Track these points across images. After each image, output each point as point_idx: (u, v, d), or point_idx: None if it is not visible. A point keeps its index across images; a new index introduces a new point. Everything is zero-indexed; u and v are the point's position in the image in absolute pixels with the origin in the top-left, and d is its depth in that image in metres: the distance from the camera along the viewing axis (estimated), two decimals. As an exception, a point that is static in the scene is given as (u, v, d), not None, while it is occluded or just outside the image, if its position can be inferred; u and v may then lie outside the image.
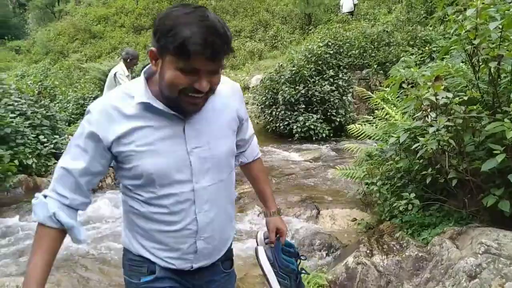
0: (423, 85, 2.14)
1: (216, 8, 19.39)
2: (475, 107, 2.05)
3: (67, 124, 8.30)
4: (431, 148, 1.97)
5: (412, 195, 2.46)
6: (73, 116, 9.43)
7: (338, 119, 7.25)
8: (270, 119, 7.58)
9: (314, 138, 7.12)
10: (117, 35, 20.20)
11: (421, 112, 2.04)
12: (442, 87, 1.89)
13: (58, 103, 9.82)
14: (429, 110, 1.96)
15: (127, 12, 21.92)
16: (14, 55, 24.17)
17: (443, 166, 2.17)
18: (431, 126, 1.96)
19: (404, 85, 2.75)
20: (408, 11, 9.85)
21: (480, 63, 2.15)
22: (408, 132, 2.46)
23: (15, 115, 5.32)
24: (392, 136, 2.57)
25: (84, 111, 7.56)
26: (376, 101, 3.29)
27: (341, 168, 3.78)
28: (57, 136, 5.86)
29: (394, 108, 3.04)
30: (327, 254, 3.27)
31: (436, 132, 1.92)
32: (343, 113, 7.31)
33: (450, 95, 1.91)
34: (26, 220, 4.31)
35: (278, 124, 7.36)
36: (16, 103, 5.59)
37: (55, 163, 5.61)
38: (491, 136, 2.05)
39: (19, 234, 3.91)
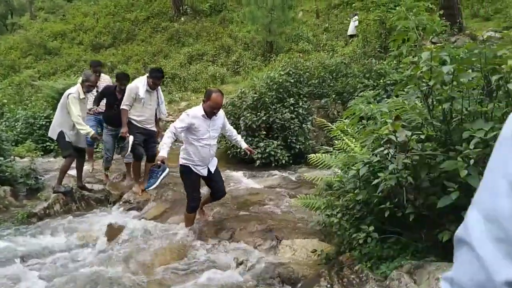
0: (381, 123, 2.21)
1: (180, 31, 19.44)
2: (430, 144, 2.14)
3: (14, 144, 7.78)
4: (390, 184, 2.01)
5: (371, 228, 2.49)
6: (21, 135, 8.86)
7: (298, 146, 7.36)
8: (231, 144, 7.54)
9: (273, 165, 7.16)
10: (74, 52, 19.59)
11: (380, 148, 2.09)
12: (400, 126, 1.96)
13: (5, 121, 9.23)
14: (388, 146, 2.02)
15: (86, 29, 21.41)
16: (-42, 68, 22.63)
17: (400, 201, 2.22)
18: (391, 162, 2.01)
19: (364, 120, 2.83)
20: (364, 45, 10.39)
21: (434, 103, 2.26)
22: (367, 166, 2.51)
23: (-47, 134, 4.90)
24: (352, 169, 2.62)
25: (33, 130, 7.15)
26: (336, 132, 3.37)
27: (302, 197, 3.78)
28: (1, 158, 5.45)
29: (353, 140, 3.12)
30: (288, 286, 3.21)
31: (395, 169, 1.98)
32: (303, 141, 7.44)
33: (409, 133, 1.98)
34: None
35: (239, 150, 7.33)
36: (-45, 122, 5.16)
37: (-2, 187, 5.19)
38: (445, 172, 2.13)
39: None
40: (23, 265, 3.69)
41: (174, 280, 3.46)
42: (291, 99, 7.56)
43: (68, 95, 4.85)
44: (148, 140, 5.17)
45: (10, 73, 18.76)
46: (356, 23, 13.73)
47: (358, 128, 3.13)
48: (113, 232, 4.42)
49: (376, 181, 2.17)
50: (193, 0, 21.41)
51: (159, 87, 5.24)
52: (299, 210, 4.59)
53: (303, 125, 7.49)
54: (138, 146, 5.04)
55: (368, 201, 2.79)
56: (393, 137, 1.92)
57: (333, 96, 8.21)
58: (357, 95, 7.83)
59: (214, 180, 4.11)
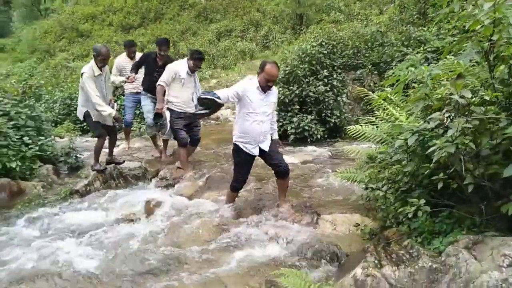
0: (433, 87, 2.00)
1: (207, 8, 19.21)
2: (492, 108, 1.93)
3: (53, 125, 8.03)
4: (447, 152, 1.83)
5: (422, 201, 2.32)
6: (59, 116, 9.15)
7: (333, 120, 7.13)
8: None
9: (309, 140, 6.99)
10: (105, 33, 19.84)
11: (435, 114, 1.90)
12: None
13: (44, 103, 9.52)
14: (444, 110, 1.83)
15: (115, 10, 21.57)
16: (-2, 54, 23.59)
17: (457, 171, 2.03)
18: (447, 128, 1.83)
19: (409, 87, 2.62)
20: (401, 12, 9.80)
21: (497, 62, 2.02)
22: (417, 135, 2.32)
23: (-3, 115, 5.06)
24: (399, 139, 2.44)
25: (71, 111, 7.23)
26: (378, 102, 3.16)
27: (342, 171, 3.63)
28: (43, 138, 5.60)
29: (398, 109, 2.91)
30: (330, 263, 3.12)
31: (454, 135, 1.79)
32: (338, 114, 7.20)
33: (469, 94, 1.78)
34: (6, 227, 4.08)
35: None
36: (-2, 103, 5.32)
37: (40, 165, 5.36)
38: (509, 138, 1.92)
39: None
40: (67, 240, 3.81)
41: (213, 255, 3.45)
42: (325, 71, 7.28)
43: (81, 75, 4.66)
44: (189, 123, 5.05)
45: (46, 57, 19.35)
46: None
47: (403, 95, 2.91)
48: (151, 208, 4.47)
49: (431, 149, 1.98)
50: (220, -25, 20.96)
51: (196, 73, 5.08)
52: (337, 185, 4.45)
53: (338, 98, 7.23)
54: (181, 131, 4.93)
55: (416, 172, 2.61)
56: (456, 97, 1.72)
57: (369, 66, 7.84)
58: (395, 65, 7.42)
59: (270, 156, 3.80)
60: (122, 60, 6.06)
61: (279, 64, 7.65)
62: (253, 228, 3.80)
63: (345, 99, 7.32)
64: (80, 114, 4.96)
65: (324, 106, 7.10)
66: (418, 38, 7.56)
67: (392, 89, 3.29)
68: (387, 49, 7.90)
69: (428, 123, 2.09)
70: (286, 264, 3.11)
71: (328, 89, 7.13)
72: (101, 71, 4.74)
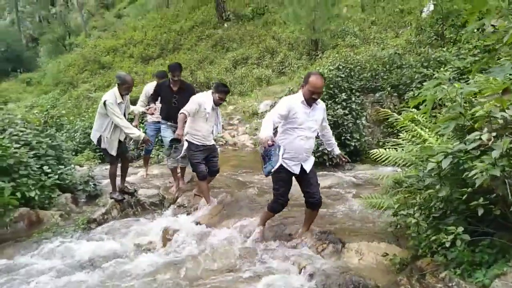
0: (469, 103, 1.86)
1: (223, 37, 19.63)
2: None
3: (73, 153, 8.12)
4: (491, 175, 1.67)
5: (460, 228, 2.13)
6: (80, 145, 9.27)
7: (353, 144, 6.96)
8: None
9: (327, 164, 6.81)
10: (125, 65, 20.42)
11: (473, 133, 1.75)
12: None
13: (65, 132, 9.70)
14: (485, 130, 1.68)
15: (135, 43, 22.28)
16: (25, 87, 24.56)
17: (499, 195, 1.86)
18: (488, 149, 1.67)
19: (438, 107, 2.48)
20: (418, 34, 9.72)
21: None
22: (451, 157, 2.16)
23: (19, 145, 5.12)
24: (430, 161, 2.27)
25: (91, 140, 7.18)
26: (404, 123, 3.01)
27: (366, 197, 3.45)
28: (62, 166, 5.64)
29: (426, 130, 2.75)
30: (358, 296, 2.90)
31: (498, 157, 1.63)
32: (358, 137, 7.03)
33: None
34: (24, 257, 4.02)
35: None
36: (21, 133, 5.41)
37: (59, 194, 5.36)
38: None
39: (13, 274, 3.60)
40: (85, 271, 3.71)
41: (232, 285, 3.28)
42: (343, 94, 7.19)
43: (104, 103, 4.58)
44: (208, 156, 4.90)
45: (69, 88, 19.99)
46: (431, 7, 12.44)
47: (430, 116, 2.76)
48: (168, 236, 4.36)
49: (472, 172, 1.82)
50: (236, 6, 21.55)
51: (219, 106, 4.92)
52: (361, 211, 4.24)
53: (357, 121, 7.09)
54: (200, 165, 4.75)
55: (449, 198, 2.43)
56: (505, 114, 1.58)
57: (388, 89, 7.71)
58: (415, 86, 7.29)
59: (308, 181, 3.52)
60: (150, 88, 5.88)
61: (297, 89, 7.65)
62: (275, 257, 3.63)
63: (364, 122, 7.18)
64: (94, 138, 4.93)
65: (343, 129, 6.95)
66: (438, 59, 7.42)
67: (417, 110, 3.15)
68: (406, 71, 7.78)
69: (465, 144, 1.93)
70: (311, 298, 2.92)
71: (347, 112, 7.01)
72: (123, 99, 4.74)
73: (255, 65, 16.35)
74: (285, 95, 8.03)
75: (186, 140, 4.76)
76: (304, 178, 3.52)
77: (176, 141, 4.66)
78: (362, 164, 6.94)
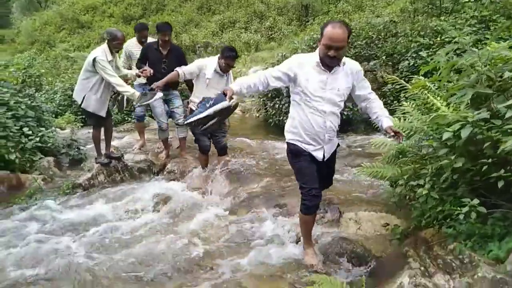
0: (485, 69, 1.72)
1: (210, -1, 18.83)
2: None
3: (54, 115, 7.74)
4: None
5: (475, 200, 2.05)
6: (60, 107, 8.84)
7: (345, 113, 6.83)
8: (273, 112, 7.14)
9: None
10: (105, 24, 19.46)
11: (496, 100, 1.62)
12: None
13: (44, 93, 9.22)
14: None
15: (116, 1, 21.19)
16: (-3, 45, 23.23)
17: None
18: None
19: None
20: (414, 2, 9.46)
21: None
22: (470, 126, 2.04)
23: (-5, 105, 4.77)
24: (447, 130, 2.15)
25: (72, 102, 6.74)
26: (415, 89, 2.87)
27: (367, 166, 3.36)
28: (43, 129, 5.33)
29: (439, 98, 2.63)
30: (357, 266, 2.86)
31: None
32: (351, 106, 6.90)
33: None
34: (5, 221, 3.82)
35: (281, 118, 6.91)
36: (-4, 92, 5.03)
37: (40, 158, 5.09)
38: None
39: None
40: (70, 237, 3.55)
41: (227, 254, 3.20)
42: (337, 62, 6.97)
43: (93, 59, 4.20)
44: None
45: (46, 48, 19.01)
46: None
47: (446, 83, 2.62)
48: (158, 202, 4.22)
49: (507, 144, 1.70)
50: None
51: (231, 73, 4.38)
52: (359, 181, 4.18)
53: (351, 90, 6.92)
54: (203, 137, 4.38)
55: (462, 168, 2.33)
56: None
57: (383, 57, 7.52)
58: (409, 56, 7.13)
59: (324, 171, 2.85)
60: (130, 45, 5.42)
61: (289, 55, 7.36)
62: (270, 225, 3.54)
63: (358, 91, 7.02)
64: (78, 98, 4.49)
65: (336, 98, 6.79)
66: (435, 28, 7.23)
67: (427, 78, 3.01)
68: (401, 39, 7.59)
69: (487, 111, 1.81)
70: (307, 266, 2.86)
71: (340, 80, 6.83)
72: (113, 56, 4.39)
73: (243, 29, 15.85)
74: (277, 61, 7.75)
75: (189, 109, 4.29)
76: (324, 166, 2.79)
77: (151, 90, 4.17)
78: (355, 133, 6.87)
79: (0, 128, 4.58)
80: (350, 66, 2.57)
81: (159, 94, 4.21)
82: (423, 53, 6.43)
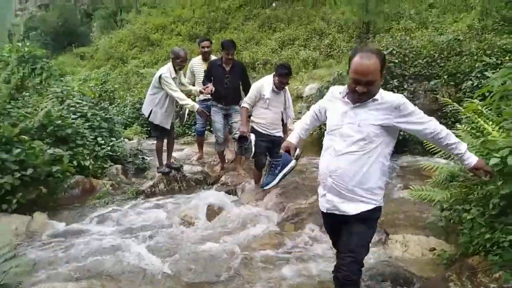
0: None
1: (271, 17, 19.37)
2: None
3: (123, 127, 8.49)
4: None
5: (523, 229, 2.00)
6: (129, 119, 9.66)
7: (401, 133, 6.69)
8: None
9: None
10: (173, 42, 20.78)
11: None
12: None
13: (116, 106, 10.13)
14: None
15: (183, 21, 22.58)
16: (79, 61, 25.78)
17: None
18: None
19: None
20: (483, 19, 9.03)
21: None
22: (518, 153, 2.02)
23: (76, 116, 5.43)
24: (495, 156, 2.14)
25: (139, 114, 7.35)
26: (467, 113, 2.83)
27: (416, 189, 3.33)
28: (114, 139, 5.92)
29: (490, 123, 2.58)
30: (403, 288, 2.85)
31: None
32: (407, 127, 6.74)
33: None
34: (79, 222, 4.31)
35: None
36: (78, 105, 5.72)
37: (110, 165, 5.65)
38: None
39: (71, 238, 3.87)
40: (131, 238, 3.92)
41: (272, 266, 3.33)
42: (395, 81, 6.89)
43: (159, 76, 4.61)
44: (272, 148, 4.49)
45: (119, 64, 20.76)
46: None
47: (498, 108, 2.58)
48: (212, 213, 4.48)
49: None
50: (284, -15, 21.08)
51: (287, 89, 4.56)
52: (407, 203, 4.12)
53: (408, 110, 6.77)
54: (261, 155, 4.49)
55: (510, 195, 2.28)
56: None
57: (445, 77, 7.26)
58: (474, 76, 6.82)
59: (349, 232, 2.18)
60: (194, 63, 5.82)
61: (346, 73, 7.40)
62: (315, 242, 3.63)
63: (416, 111, 6.84)
64: (145, 111, 4.91)
65: (392, 118, 6.68)
66: (504, 47, 6.87)
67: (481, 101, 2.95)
68: (466, 58, 7.28)
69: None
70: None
71: (398, 100, 6.71)
72: (176, 74, 4.77)
73: (302, 46, 16.03)
74: (333, 79, 7.83)
75: (252, 128, 4.49)
76: (343, 226, 2.21)
77: (243, 139, 4.34)
78: (410, 154, 6.69)
79: (79, 137, 5.20)
80: (386, 99, 2.05)
81: (253, 137, 4.41)
82: (489, 73, 6.13)
